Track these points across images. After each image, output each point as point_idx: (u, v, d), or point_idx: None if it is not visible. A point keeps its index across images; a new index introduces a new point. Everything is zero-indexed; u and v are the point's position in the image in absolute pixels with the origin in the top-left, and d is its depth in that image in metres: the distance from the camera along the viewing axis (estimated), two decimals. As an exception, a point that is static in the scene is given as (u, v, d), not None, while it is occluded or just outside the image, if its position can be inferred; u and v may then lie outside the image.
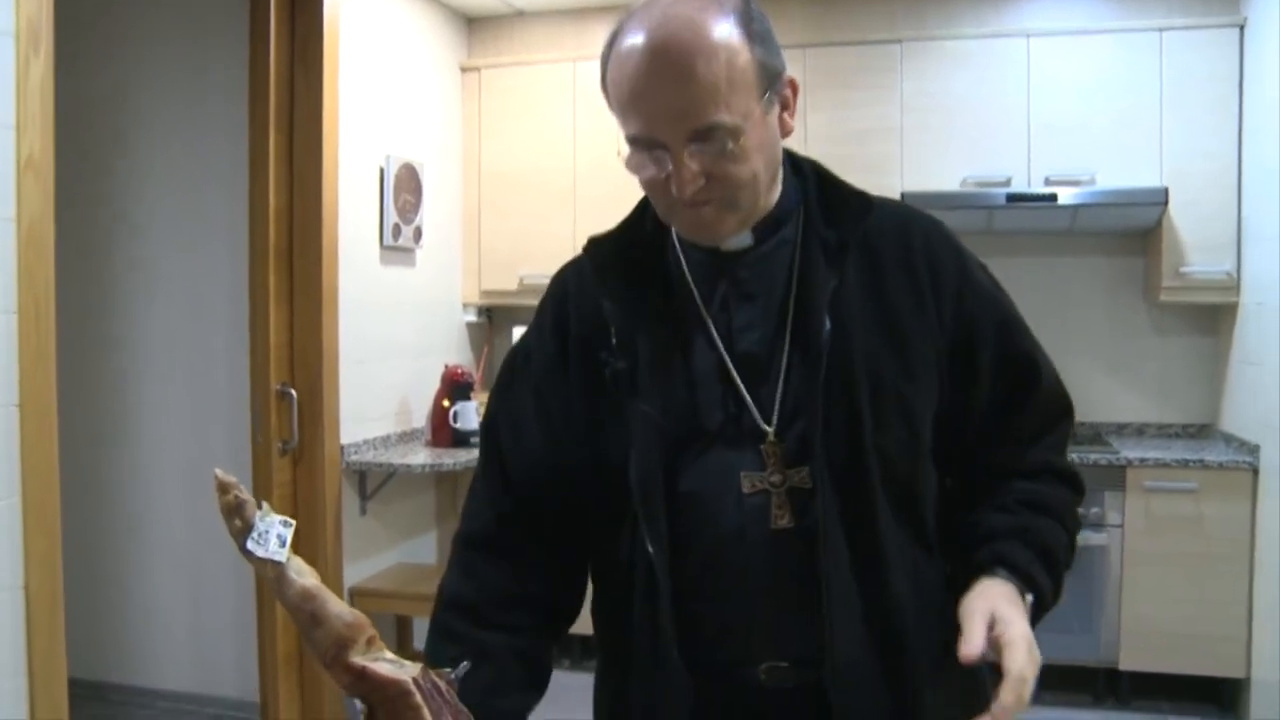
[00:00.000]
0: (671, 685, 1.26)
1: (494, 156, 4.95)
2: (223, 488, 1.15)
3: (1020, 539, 1.27)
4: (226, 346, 4.12)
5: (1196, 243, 4.17)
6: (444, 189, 4.83)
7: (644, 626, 1.28)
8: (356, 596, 4.06)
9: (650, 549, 1.26)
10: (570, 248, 4.80)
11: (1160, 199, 4.06)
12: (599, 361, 1.30)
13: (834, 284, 1.25)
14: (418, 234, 4.47)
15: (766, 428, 1.25)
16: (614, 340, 1.29)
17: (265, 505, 1.15)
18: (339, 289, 3.92)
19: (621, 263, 1.34)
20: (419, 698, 1.00)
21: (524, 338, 1.43)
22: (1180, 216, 4.17)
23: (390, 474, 4.20)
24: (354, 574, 4.11)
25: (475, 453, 4.31)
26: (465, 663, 1.14)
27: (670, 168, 1.18)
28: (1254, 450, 3.90)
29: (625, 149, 1.23)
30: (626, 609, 1.30)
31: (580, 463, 1.32)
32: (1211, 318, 4.44)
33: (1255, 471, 3.89)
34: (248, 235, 3.83)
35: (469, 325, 5.09)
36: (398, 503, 4.44)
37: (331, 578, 3.95)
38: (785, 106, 1.25)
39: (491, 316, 5.24)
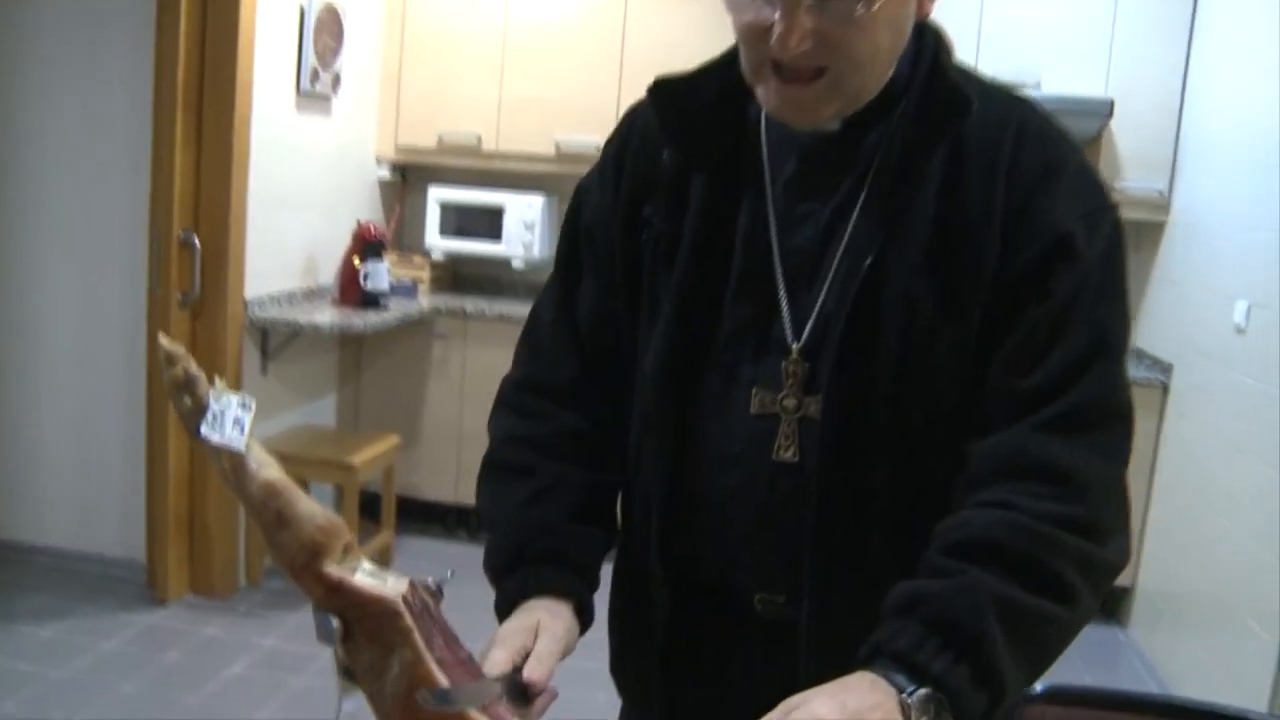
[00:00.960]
0: (646, 592, 1.18)
1: (421, 6, 4.65)
2: (169, 358, 0.99)
3: (906, 613, 0.95)
4: (127, 192, 3.80)
5: (1133, 158, 4.16)
6: (366, 36, 4.52)
7: (635, 526, 1.21)
8: (254, 458, 3.88)
9: (650, 451, 1.17)
10: (494, 110, 4.62)
11: (1105, 111, 4.01)
12: (643, 219, 1.17)
13: (905, 199, 1.07)
14: (336, 81, 4.18)
15: (793, 343, 1.10)
16: (665, 197, 1.15)
17: (219, 382, 0.99)
18: (250, 134, 3.64)
19: (690, 112, 1.15)
20: (409, 619, 0.88)
21: (588, 176, 1.27)
22: (1121, 131, 4.14)
23: (295, 333, 3.99)
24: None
25: (385, 315, 4.17)
26: (450, 571, 1.02)
27: (778, 17, 0.97)
28: (1167, 369, 3.96)
29: None
30: (629, 500, 1.22)
31: (625, 325, 1.20)
32: (1137, 234, 4.46)
33: (1165, 390, 3.95)
34: (153, 73, 3.52)
35: (382, 183, 4.84)
36: (300, 363, 4.24)
37: (229, 438, 3.76)
38: None
39: (406, 175, 4.99)
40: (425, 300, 4.62)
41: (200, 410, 0.96)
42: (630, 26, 4.51)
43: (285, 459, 3.65)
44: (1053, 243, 1.03)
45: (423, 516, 4.73)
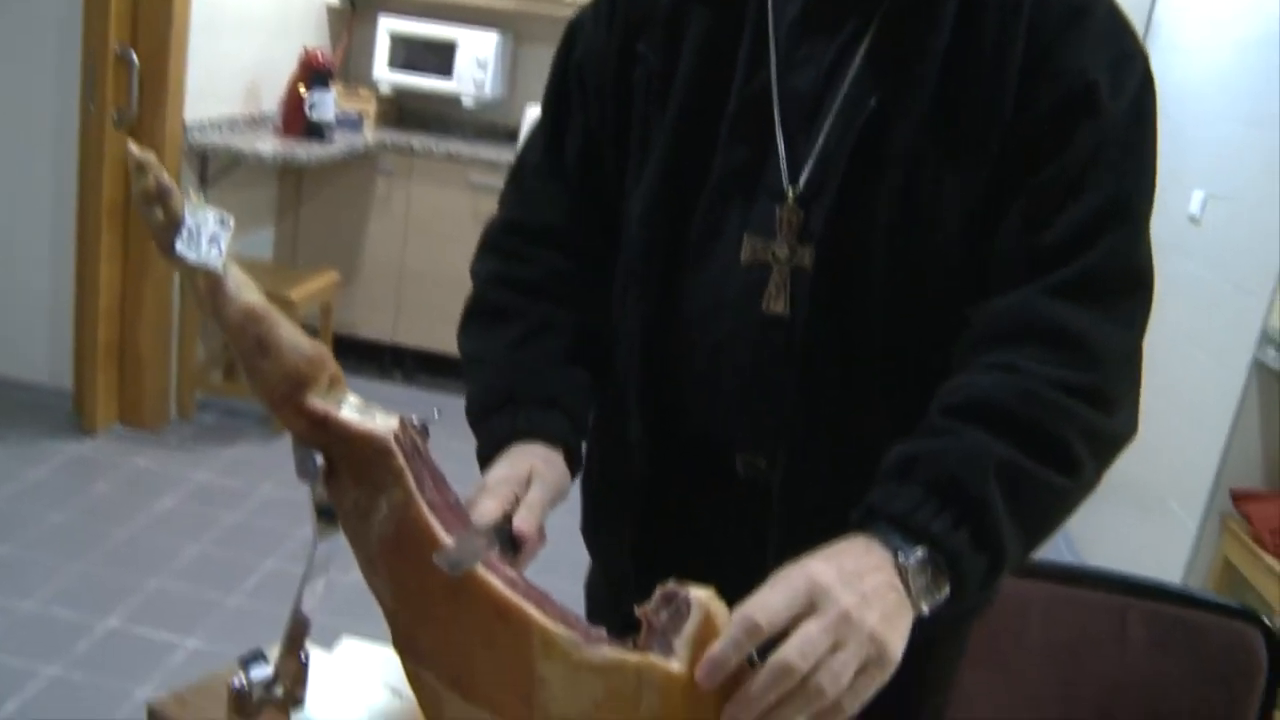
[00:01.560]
0: (625, 449, 1.13)
1: None
2: (140, 167, 0.88)
3: (904, 475, 0.90)
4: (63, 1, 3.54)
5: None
6: None
7: (617, 380, 1.15)
8: (187, 289, 3.75)
9: (634, 299, 1.11)
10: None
11: None
12: (637, 55, 1.09)
13: (914, 43, 1.00)
14: (286, -109, 3.92)
15: (788, 187, 1.04)
16: (661, 31, 1.08)
17: (195, 196, 0.90)
18: (194, -59, 3.41)
19: None
20: (402, 459, 0.82)
21: (581, 12, 1.19)
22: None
23: (236, 160, 3.82)
24: (187, 264, 3.78)
25: (330, 147, 4.00)
26: (436, 410, 0.96)
27: None
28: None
29: None
30: (611, 353, 1.16)
31: (613, 168, 1.13)
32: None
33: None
34: None
35: (330, 8, 4.60)
36: (238, 192, 4.07)
37: (161, 267, 3.62)
38: None
39: (355, 2, 4.74)
40: (370, 134, 4.45)
41: (174, 225, 0.87)
42: None
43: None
44: (1075, 93, 0.96)
45: (358, 355, 4.65)
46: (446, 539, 0.81)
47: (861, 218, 1.00)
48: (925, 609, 0.83)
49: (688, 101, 1.06)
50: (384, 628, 0.90)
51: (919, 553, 0.84)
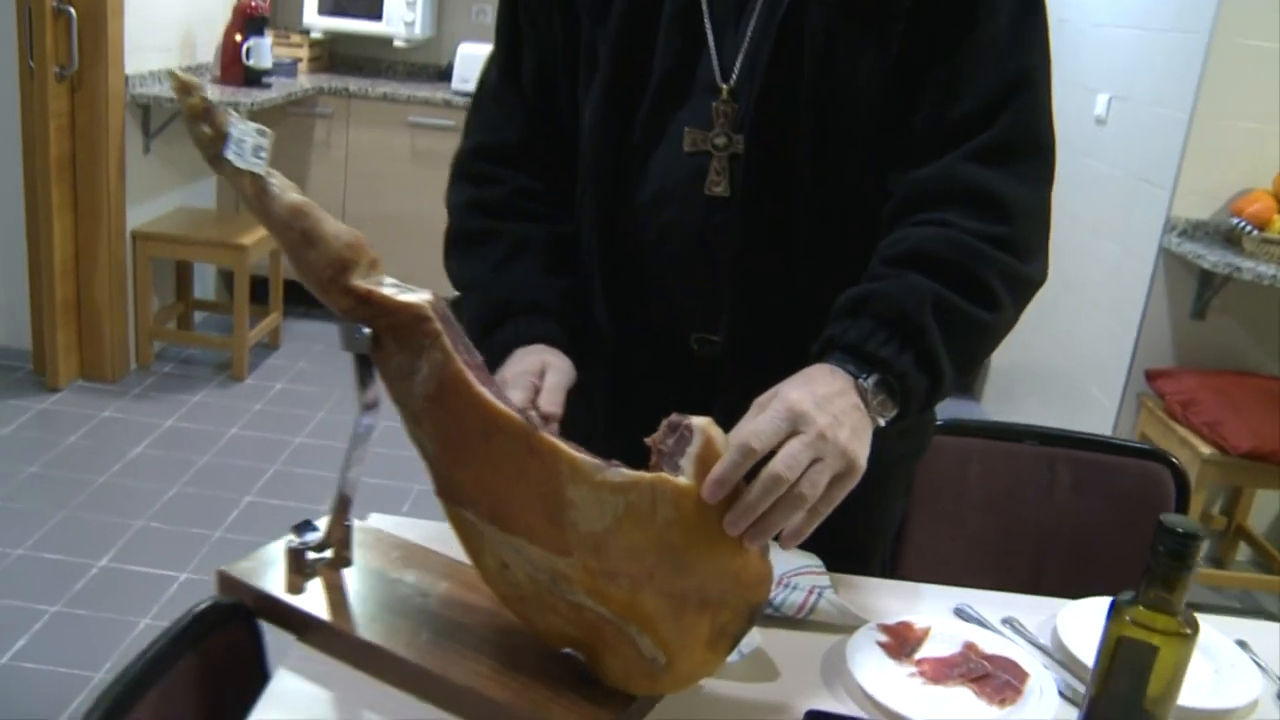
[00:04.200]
0: (593, 337, 1.25)
1: None
2: (184, 88, 1.01)
3: (855, 312, 1.04)
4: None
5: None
6: None
7: (583, 265, 1.26)
8: (139, 240, 3.81)
9: (592, 195, 1.23)
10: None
11: None
12: None
13: None
14: None
15: (721, 83, 1.17)
16: None
17: (235, 112, 1.03)
18: (123, -110, 3.42)
19: None
20: (438, 323, 0.96)
21: None
22: None
23: (178, 110, 3.85)
24: (136, 216, 3.84)
25: (268, 92, 4.06)
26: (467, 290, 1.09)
27: None
28: (1033, 159, 4.18)
29: None
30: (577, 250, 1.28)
31: (565, 84, 1.25)
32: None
33: (1031, 179, 4.17)
34: None
35: (256, -46, 4.60)
36: (180, 143, 4.11)
37: (114, 219, 3.67)
38: None
39: (281, -53, 4.76)
40: (306, 80, 4.49)
41: (220, 138, 1.00)
42: None
43: (174, 241, 3.69)
44: None
45: (307, 299, 4.69)
46: (481, 388, 0.96)
47: (786, 100, 1.13)
48: (881, 422, 1.00)
49: (626, 15, 1.18)
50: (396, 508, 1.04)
51: (875, 375, 1.00)
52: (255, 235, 3.90)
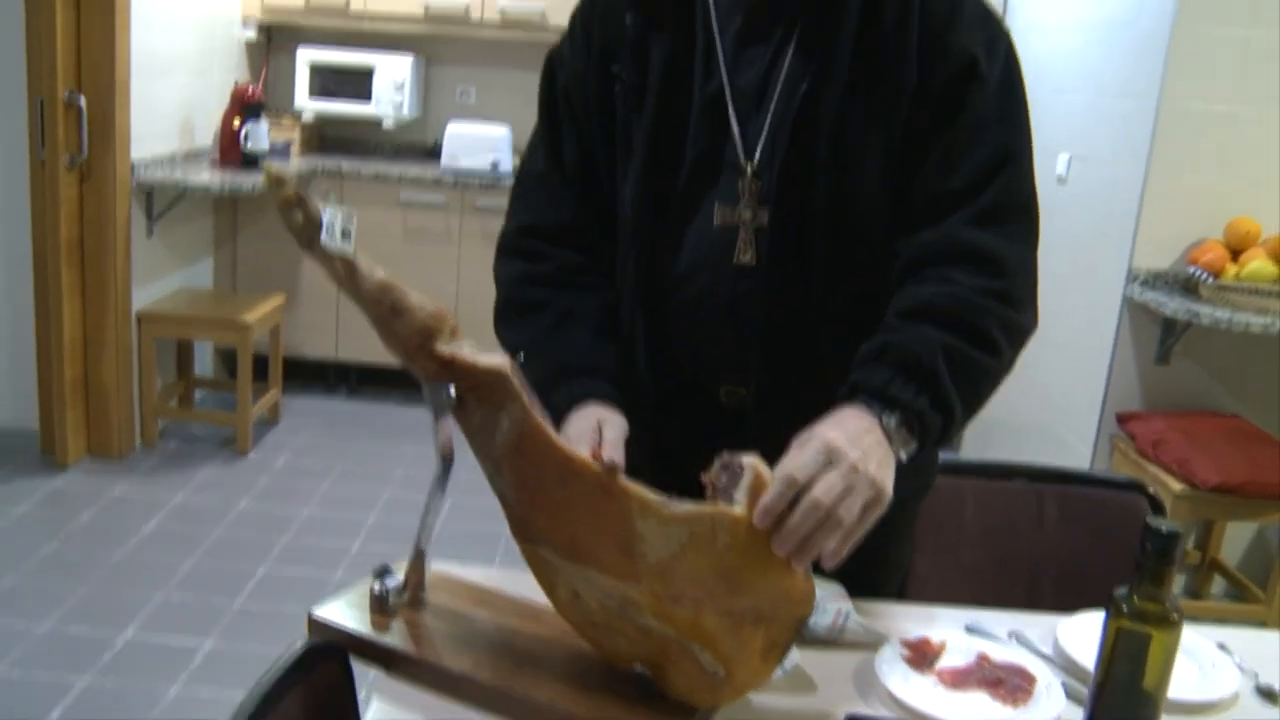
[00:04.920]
0: (640, 390, 1.40)
1: None
2: (279, 181, 1.11)
3: (876, 360, 1.19)
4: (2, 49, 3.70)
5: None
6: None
7: (626, 328, 1.41)
8: (145, 321, 3.93)
9: (632, 265, 1.38)
10: (364, -35, 4.60)
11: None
12: (612, 75, 1.37)
13: (830, 34, 1.29)
14: (204, -64, 4.12)
15: (746, 163, 1.33)
16: (630, 54, 1.35)
17: (331, 196, 1.15)
18: (131, -11, 3.60)
19: None
20: (518, 383, 1.11)
21: (559, 45, 1.46)
22: None
23: (180, 194, 4.01)
24: (141, 298, 3.96)
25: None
26: (522, 353, 1.23)
27: None
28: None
29: None
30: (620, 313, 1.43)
31: (605, 169, 1.40)
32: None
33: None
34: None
35: (247, 43, 4.79)
36: (181, 225, 4.25)
37: (120, 301, 3.80)
38: None
39: (271, 35, 4.94)
40: (299, 161, 4.65)
41: (314, 225, 1.12)
42: (495, -115, 4.55)
43: (179, 321, 3.83)
44: (962, 66, 1.26)
45: (304, 375, 4.85)
46: (558, 439, 1.10)
47: (804, 177, 1.30)
48: (903, 457, 1.15)
49: (659, 106, 1.34)
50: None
51: (895, 415, 1.15)
52: (257, 313, 4.03)
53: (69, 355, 3.73)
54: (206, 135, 4.39)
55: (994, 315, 1.23)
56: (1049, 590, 1.87)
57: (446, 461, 1.22)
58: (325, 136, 5.11)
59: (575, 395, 1.32)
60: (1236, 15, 3.11)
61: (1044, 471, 1.91)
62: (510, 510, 1.17)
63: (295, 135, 4.78)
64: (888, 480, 1.09)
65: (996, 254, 1.25)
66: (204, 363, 4.62)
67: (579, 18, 1.44)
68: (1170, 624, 0.98)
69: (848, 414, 1.14)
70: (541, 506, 1.13)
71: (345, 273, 1.13)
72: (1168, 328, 3.29)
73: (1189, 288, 3.23)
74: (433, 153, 5.04)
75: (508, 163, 4.67)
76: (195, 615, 2.99)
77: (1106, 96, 3.43)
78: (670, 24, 1.36)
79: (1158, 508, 1.84)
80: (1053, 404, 3.74)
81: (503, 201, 4.85)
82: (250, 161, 4.23)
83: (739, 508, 1.05)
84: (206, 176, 4.04)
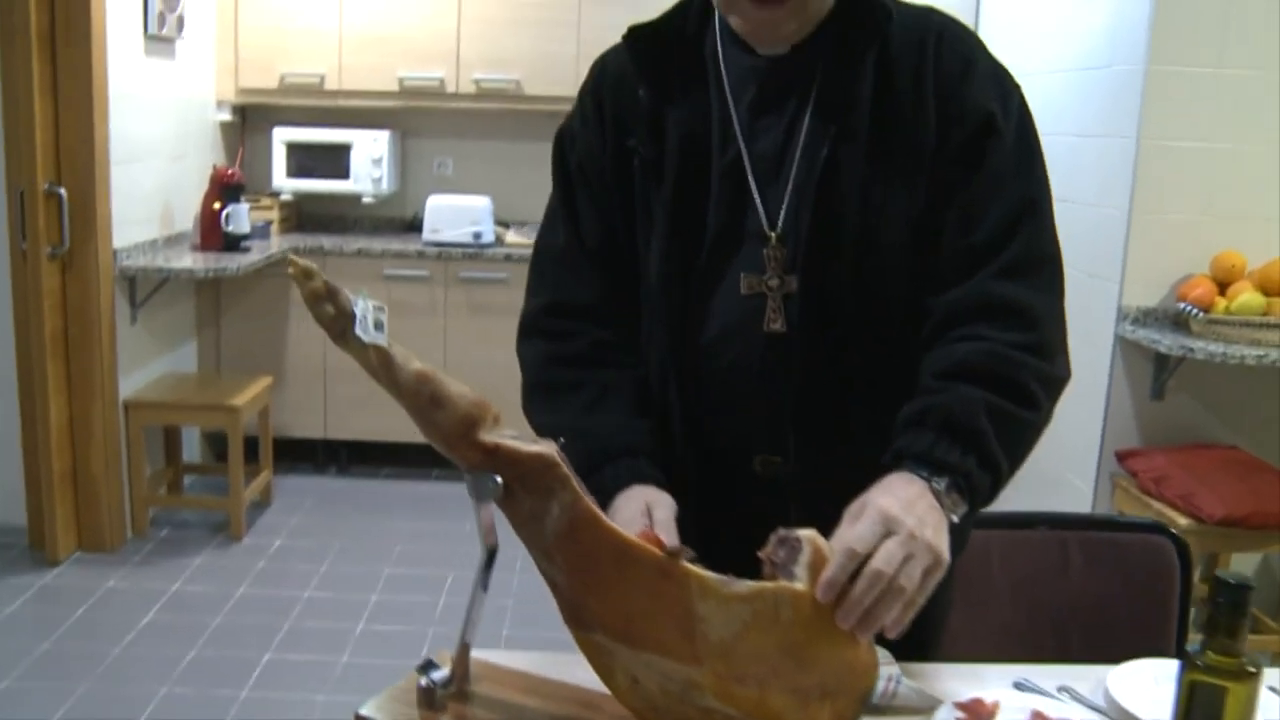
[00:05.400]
0: (675, 461, 1.37)
1: (252, -58, 4.60)
2: (306, 273, 1.09)
3: (919, 424, 1.19)
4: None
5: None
6: (200, -25, 4.46)
7: (657, 402, 1.39)
8: (132, 409, 3.89)
9: (663, 337, 1.37)
10: (335, 49, 4.63)
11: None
12: (629, 149, 1.36)
13: (846, 97, 1.30)
14: (180, 23, 4.13)
15: (769, 231, 1.32)
16: (645, 128, 1.35)
17: (362, 289, 1.14)
18: (108, 80, 3.59)
19: (660, 53, 1.36)
20: (566, 468, 1.09)
21: (568, 121, 1.45)
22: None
23: (163, 280, 3.98)
24: (127, 386, 3.92)
25: (252, 256, 4.19)
26: (562, 439, 1.21)
27: None
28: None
29: None
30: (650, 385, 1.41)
31: (626, 242, 1.39)
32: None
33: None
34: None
35: (222, 125, 4.79)
36: (163, 311, 4.22)
37: (107, 390, 3.75)
38: None
39: (246, 116, 4.95)
40: (279, 240, 4.65)
41: (344, 317, 1.10)
42: (465, -40, 4.61)
43: (167, 407, 3.79)
44: (979, 123, 1.27)
45: (293, 455, 4.80)
46: (612, 523, 1.08)
47: (831, 243, 1.29)
48: (955, 519, 1.14)
49: (678, 177, 1.34)
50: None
51: (945, 478, 1.14)
52: (245, 395, 3.99)
53: (57, 448, 3.67)
54: (186, 219, 4.38)
55: (1029, 369, 1.23)
56: (1079, 637, 1.86)
57: (491, 551, 1.19)
58: (304, 215, 5.11)
59: (621, 478, 1.30)
60: (1205, 56, 3.17)
61: (1065, 518, 1.91)
62: (562, 597, 1.15)
63: (274, 215, 4.78)
64: (944, 545, 1.09)
65: (1026, 306, 1.25)
66: (191, 448, 4.57)
67: (589, 92, 1.43)
68: (1247, 676, 0.97)
69: (897, 481, 1.14)
70: (597, 592, 1.11)
71: (380, 364, 1.11)
72: (1160, 363, 3.32)
73: (1179, 323, 3.26)
74: (413, 226, 5.05)
75: (490, 233, 4.68)
76: (201, 708, 2.92)
77: (1087, 139, 3.48)
78: (684, 96, 1.36)
79: (1183, 549, 1.84)
80: (1052, 444, 3.72)
81: (487, 272, 4.89)
82: (232, 244, 4.21)
83: (800, 583, 1.04)
84: (189, 261, 4.02)
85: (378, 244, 4.64)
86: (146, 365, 4.12)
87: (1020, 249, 1.27)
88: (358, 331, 1.10)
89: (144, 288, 3.98)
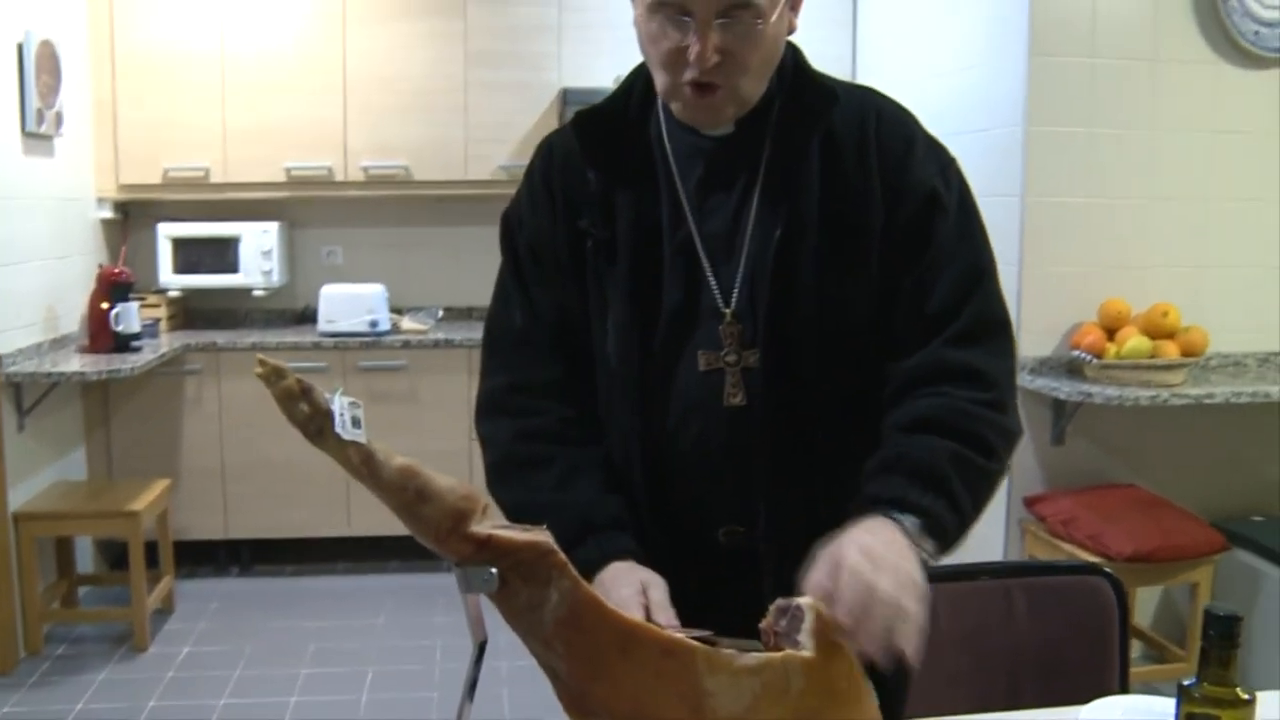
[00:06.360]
0: (646, 540, 1.37)
1: (131, 37, 4.51)
2: (278, 373, 1.07)
3: (888, 471, 1.23)
4: None
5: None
6: (78, 71, 4.35)
7: (620, 478, 1.39)
8: (22, 521, 3.69)
9: (626, 418, 1.38)
10: (219, 141, 4.56)
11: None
12: (581, 230, 1.38)
13: (795, 177, 1.33)
14: (58, 120, 4.02)
15: (725, 309, 1.35)
16: (597, 209, 1.37)
17: (337, 386, 1.12)
18: (-13, 181, 3.47)
19: (607, 137, 1.39)
20: (562, 554, 1.08)
21: (514, 204, 1.46)
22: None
23: (51, 386, 3.82)
24: (16, 497, 3.73)
25: (144, 356, 4.07)
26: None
27: (692, 38, 1.23)
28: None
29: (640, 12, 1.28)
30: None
31: (580, 321, 1.40)
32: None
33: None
34: None
35: (104, 222, 4.66)
36: (51, 417, 4.04)
37: (-5, 504, 3.57)
38: (794, 7, 1.32)
39: (128, 212, 4.82)
40: (170, 338, 4.52)
41: (318, 415, 1.08)
42: (350, 48, 4.60)
43: (61, 517, 3.65)
44: (924, 199, 1.32)
45: (193, 558, 4.62)
46: (613, 606, 1.08)
47: (789, 319, 1.33)
48: (928, 559, 1.17)
49: (632, 257, 1.36)
50: None
51: (917, 520, 1.18)
52: (144, 500, 3.84)
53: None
54: (72, 321, 4.23)
55: (986, 421, 1.28)
56: (1030, 682, 1.90)
57: (481, 645, 1.17)
58: (192, 311, 4.98)
59: (605, 552, 1.30)
60: (1078, 116, 3.36)
61: (1007, 566, 1.97)
62: (563, 685, 1.13)
63: (162, 313, 4.64)
64: (921, 576, 1.12)
65: (980, 368, 1.31)
66: (85, 558, 4.36)
67: (538, 175, 1.45)
68: (1243, 704, 1.01)
69: (870, 525, 1.17)
70: (600, 677, 1.10)
71: (362, 461, 1.09)
72: (1059, 409, 3.45)
73: (1074, 370, 3.41)
74: (305, 317, 4.97)
75: (385, 321, 4.63)
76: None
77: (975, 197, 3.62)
78: (632, 178, 1.38)
79: (1118, 588, 1.91)
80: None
81: (385, 360, 4.84)
82: (123, 344, 4.08)
83: (806, 651, 1.05)
84: (78, 363, 3.88)
85: (272, 336, 4.55)
86: (36, 474, 3.93)
87: (972, 316, 1.32)
88: (337, 430, 1.08)
89: (31, 394, 3.82)
